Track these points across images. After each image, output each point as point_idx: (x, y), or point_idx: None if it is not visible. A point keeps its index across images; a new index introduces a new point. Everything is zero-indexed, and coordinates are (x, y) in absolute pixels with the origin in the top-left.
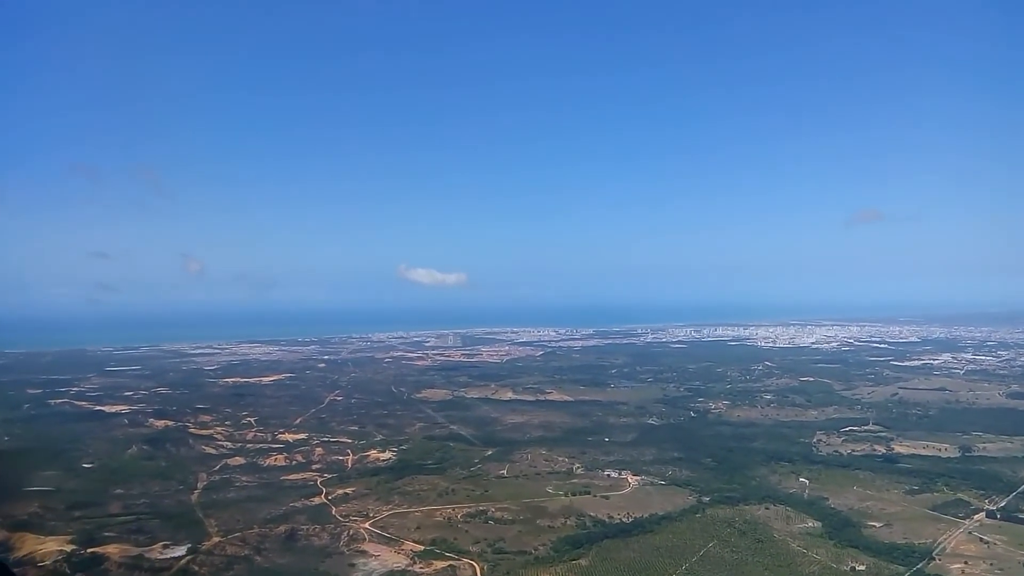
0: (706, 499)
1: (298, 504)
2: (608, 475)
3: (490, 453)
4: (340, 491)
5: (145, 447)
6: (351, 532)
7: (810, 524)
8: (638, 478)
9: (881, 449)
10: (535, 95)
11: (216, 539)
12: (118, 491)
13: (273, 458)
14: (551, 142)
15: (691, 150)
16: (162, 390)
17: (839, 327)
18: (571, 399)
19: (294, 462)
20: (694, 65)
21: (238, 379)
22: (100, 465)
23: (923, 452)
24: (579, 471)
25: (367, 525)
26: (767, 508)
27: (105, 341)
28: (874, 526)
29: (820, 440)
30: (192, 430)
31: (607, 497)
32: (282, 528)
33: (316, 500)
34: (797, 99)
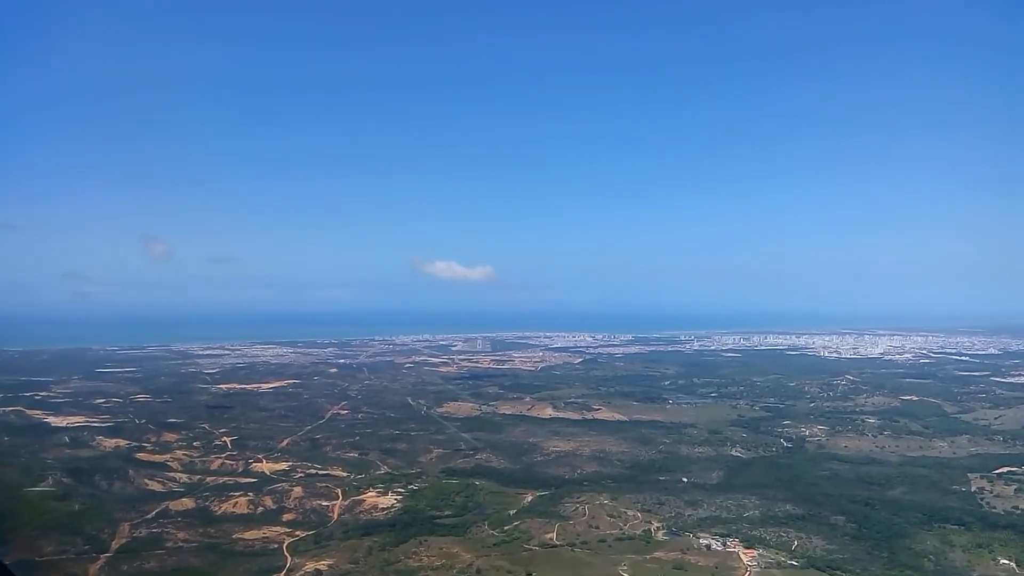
0: None
1: None
2: (706, 545)
3: (530, 500)
4: (311, 566)
5: (66, 479)
6: None
7: None
8: (752, 552)
9: None
10: (566, 91)
11: None
12: None
13: (233, 501)
14: (582, 143)
15: (699, 151)
16: (141, 397)
17: (900, 337)
18: (625, 418)
19: (260, 509)
20: (723, 64)
21: (234, 385)
22: None
23: None
24: (661, 535)
25: None
26: None
27: (115, 340)
28: None
29: (982, 488)
30: (143, 455)
31: None
32: None
33: None
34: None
